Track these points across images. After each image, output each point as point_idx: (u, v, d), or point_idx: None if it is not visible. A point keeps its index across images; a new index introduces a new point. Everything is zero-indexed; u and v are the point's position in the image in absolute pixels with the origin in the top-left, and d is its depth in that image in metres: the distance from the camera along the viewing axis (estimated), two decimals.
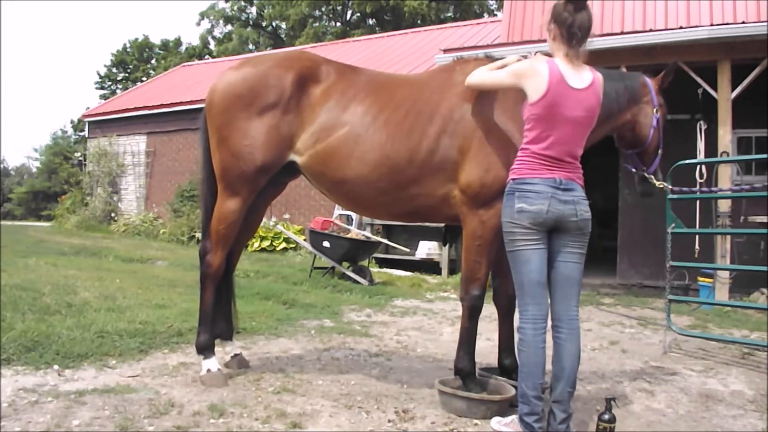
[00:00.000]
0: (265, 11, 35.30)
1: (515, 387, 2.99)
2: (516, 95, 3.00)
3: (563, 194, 2.74)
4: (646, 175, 3.52)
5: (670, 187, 3.87)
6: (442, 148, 3.23)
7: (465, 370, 3.29)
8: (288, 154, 3.46)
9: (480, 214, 3.15)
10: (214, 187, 3.64)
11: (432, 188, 3.29)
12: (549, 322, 2.83)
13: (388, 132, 3.28)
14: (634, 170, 3.58)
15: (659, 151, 3.47)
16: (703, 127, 7.70)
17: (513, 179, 2.83)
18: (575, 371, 2.78)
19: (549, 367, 2.80)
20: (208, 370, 3.50)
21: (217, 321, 3.79)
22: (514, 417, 2.88)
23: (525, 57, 3.05)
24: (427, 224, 8.81)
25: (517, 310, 2.91)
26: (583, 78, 2.79)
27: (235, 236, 3.66)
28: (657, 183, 3.53)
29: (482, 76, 3.04)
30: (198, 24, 51.49)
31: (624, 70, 3.72)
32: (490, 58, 3.45)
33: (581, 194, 2.82)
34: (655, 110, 3.38)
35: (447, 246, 9.22)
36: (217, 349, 4.00)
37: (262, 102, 3.40)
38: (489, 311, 4.52)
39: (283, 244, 12.18)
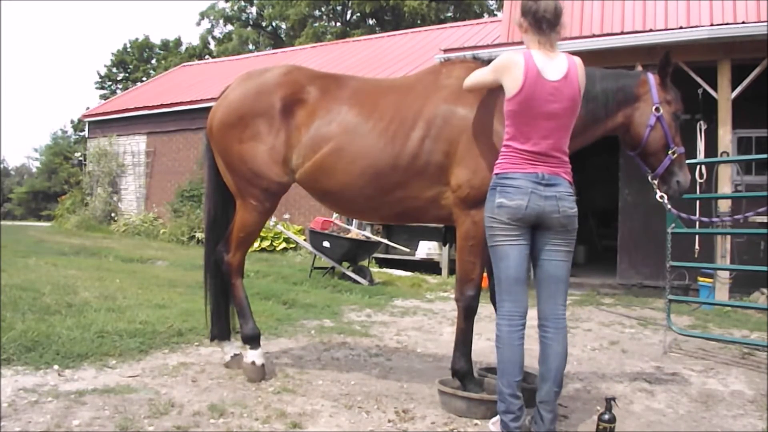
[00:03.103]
0: (265, 11, 35.29)
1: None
2: (502, 96, 2.98)
3: (545, 190, 2.70)
4: (649, 179, 3.39)
5: (669, 206, 3.59)
6: (425, 152, 3.26)
7: (462, 371, 3.30)
8: (288, 172, 3.57)
9: (472, 215, 3.16)
10: (218, 203, 3.87)
11: (418, 191, 3.34)
12: (533, 321, 2.81)
13: (371, 141, 3.33)
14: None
15: (670, 153, 3.26)
16: (703, 127, 7.70)
17: (496, 174, 2.82)
18: (561, 372, 2.74)
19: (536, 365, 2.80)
20: (253, 363, 3.57)
21: (216, 321, 3.85)
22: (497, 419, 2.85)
23: None
24: (427, 224, 8.82)
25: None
26: (560, 67, 2.74)
27: (254, 241, 3.87)
28: (657, 195, 3.39)
29: (471, 78, 3.08)
30: (198, 24, 51.62)
31: (639, 67, 3.54)
32: (477, 59, 3.47)
33: (566, 190, 2.75)
34: (654, 108, 3.23)
35: (447, 246, 9.21)
36: (216, 349, 4.02)
37: (254, 130, 3.53)
38: (489, 311, 4.53)
39: (283, 244, 12.18)
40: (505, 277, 2.76)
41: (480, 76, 3.01)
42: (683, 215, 4.09)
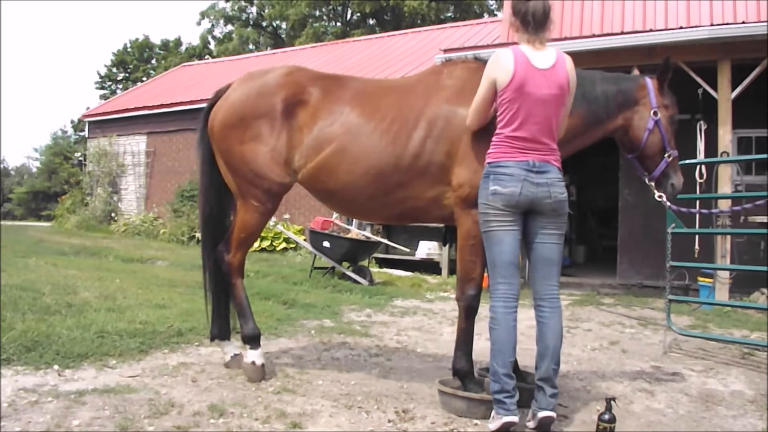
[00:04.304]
0: (266, 11, 35.29)
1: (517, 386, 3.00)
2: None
3: (536, 177, 2.80)
4: (646, 181, 3.45)
5: (669, 204, 3.66)
6: (427, 153, 3.28)
7: (463, 371, 3.30)
8: (291, 173, 3.57)
9: (473, 214, 3.17)
10: (214, 198, 3.83)
11: (420, 191, 3.35)
12: (531, 321, 2.88)
13: (373, 142, 3.35)
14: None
15: (666, 155, 3.34)
16: (703, 127, 7.69)
17: (488, 162, 2.91)
18: (559, 349, 2.86)
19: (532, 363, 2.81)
20: (253, 363, 3.57)
21: (216, 321, 3.85)
22: (493, 412, 2.88)
23: None
24: (427, 224, 8.83)
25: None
26: (548, 58, 2.86)
27: (254, 242, 3.89)
28: (656, 195, 3.45)
29: (472, 107, 3.07)
30: (198, 24, 51.66)
31: (636, 71, 3.58)
32: (479, 59, 3.48)
33: (556, 176, 2.86)
34: (652, 112, 3.30)
35: (447, 246, 9.20)
36: (216, 349, 4.02)
37: (256, 131, 3.52)
38: None
39: (283, 244, 12.18)
40: (500, 261, 2.87)
41: (477, 95, 3.02)
42: (683, 210, 4.17)
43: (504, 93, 2.85)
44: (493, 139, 2.92)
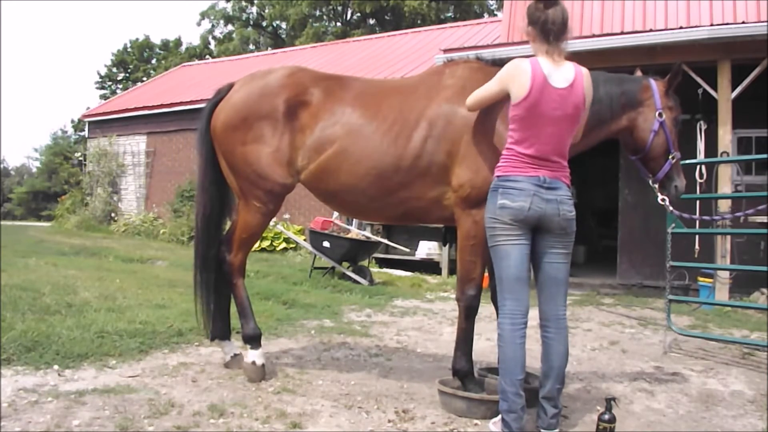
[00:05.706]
0: (266, 11, 35.30)
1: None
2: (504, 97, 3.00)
3: (546, 193, 2.74)
4: (650, 183, 3.43)
5: (671, 208, 3.66)
6: (428, 153, 3.28)
7: (463, 371, 3.31)
8: (293, 174, 3.57)
9: (473, 215, 3.18)
10: (214, 196, 3.78)
11: (421, 192, 3.35)
12: (533, 321, 2.84)
13: (375, 142, 3.35)
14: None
15: (670, 157, 3.31)
16: (703, 127, 7.69)
17: (497, 176, 2.85)
18: (563, 369, 2.82)
19: (537, 365, 2.81)
20: (253, 363, 3.56)
21: (215, 321, 3.84)
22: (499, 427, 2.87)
23: None
24: (427, 224, 8.83)
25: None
26: (566, 75, 2.77)
27: (256, 242, 3.91)
28: (659, 198, 3.43)
29: (475, 95, 3.04)
30: (198, 24, 51.72)
31: (639, 72, 3.55)
32: (480, 59, 3.48)
33: (566, 194, 2.81)
34: (657, 114, 3.27)
35: (447, 246, 9.21)
36: (216, 349, 4.02)
37: (258, 132, 3.52)
38: (489, 311, 4.52)
39: (283, 244, 12.18)
40: (506, 276, 2.79)
41: (484, 89, 2.98)
42: (685, 215, 4.17)
43: (516, 109, 2.77)
44: (504, 152, 2.86)
